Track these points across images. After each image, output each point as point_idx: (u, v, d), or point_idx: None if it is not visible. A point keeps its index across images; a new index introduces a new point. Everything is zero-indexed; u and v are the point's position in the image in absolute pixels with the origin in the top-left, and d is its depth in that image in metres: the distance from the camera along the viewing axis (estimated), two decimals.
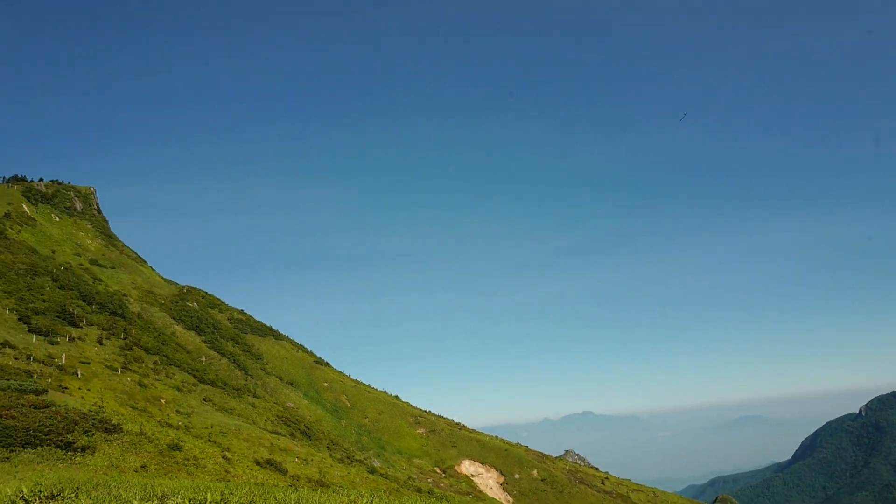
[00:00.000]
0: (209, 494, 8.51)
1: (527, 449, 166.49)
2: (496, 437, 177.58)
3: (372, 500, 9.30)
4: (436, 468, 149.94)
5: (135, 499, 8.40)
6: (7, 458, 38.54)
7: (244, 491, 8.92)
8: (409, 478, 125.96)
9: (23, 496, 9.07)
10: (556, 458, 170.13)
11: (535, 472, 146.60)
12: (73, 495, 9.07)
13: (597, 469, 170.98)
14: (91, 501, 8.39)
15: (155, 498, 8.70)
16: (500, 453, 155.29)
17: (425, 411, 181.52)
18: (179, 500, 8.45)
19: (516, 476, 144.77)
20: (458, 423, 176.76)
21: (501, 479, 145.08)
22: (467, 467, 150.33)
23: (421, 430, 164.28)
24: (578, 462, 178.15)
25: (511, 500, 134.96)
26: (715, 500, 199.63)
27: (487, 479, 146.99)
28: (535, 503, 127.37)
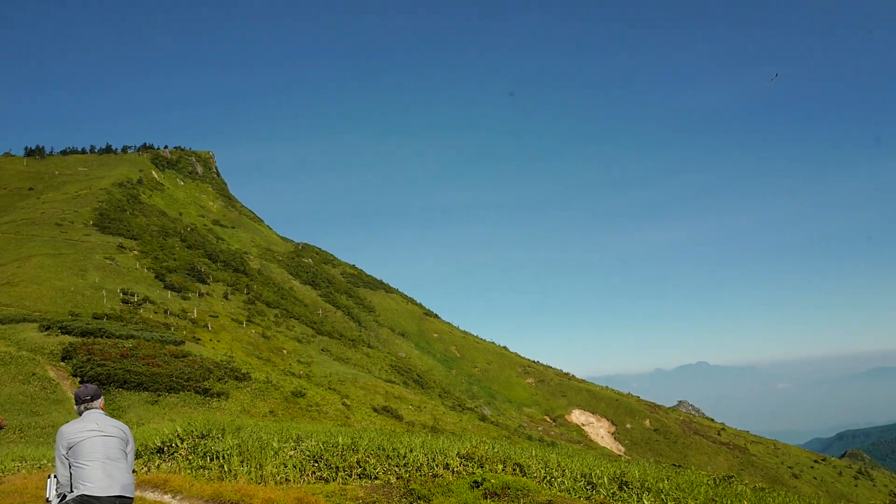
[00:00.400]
0: (340, 438, 9.13)
1: (638, 399, 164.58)
2: (606, 387, 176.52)
3: (493, 445, 9.65)
4: (546, 417, 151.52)
5: (273, 440, 9.17)
6: (156, 402, 42.59)
7: (371, 436, 9.55)
8: (520, 426, 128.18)
9: (178, 435, 10.21)
10: (669, 408, 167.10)
11: (647, 422, 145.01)
12: (219, 435, 10.05)
13: (712, 420, 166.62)
14: (237, 440, 9.26)
15: (291, 440, 9.45)
16: (611, 403, 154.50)
17: (533, 361, 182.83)
18: (314, 443, 9.12)
19: (628, 426, 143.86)
20: (566, 373, 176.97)
21: (612, 429, 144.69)
22: (577, 416, 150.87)
23: (530, 380, 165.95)
24: (692, 413, 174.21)
25: (623, 449, 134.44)
26: (843, 455, 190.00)
27: (598, 429, 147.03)
28: (648, 453, 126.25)
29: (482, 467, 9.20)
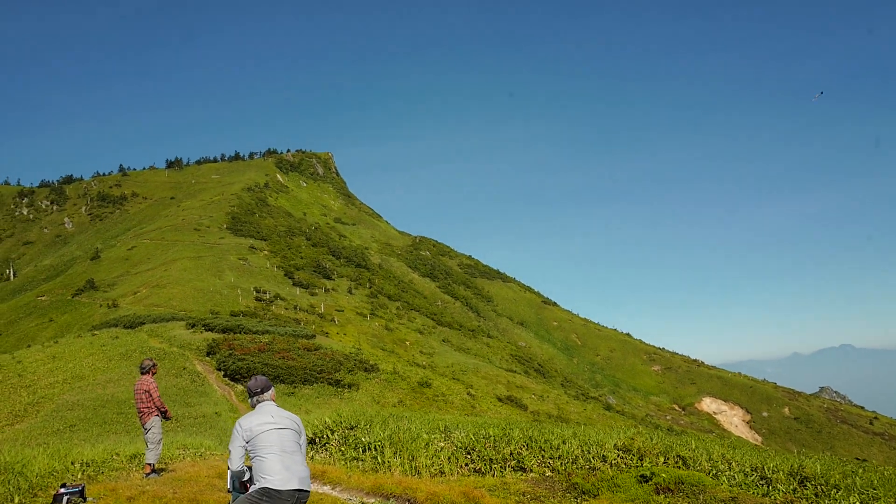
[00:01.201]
0: (492, 430, 8.89)
1: (775, 386, 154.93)
2: (738, 373, 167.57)
3: (651, 437, 9.05)
4: (674, 405, 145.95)
5: (423, 431, 9.08)
6: (292, 393, 44.65)
7: (522, 426, 9.26)
8: (647, 415, 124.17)
9: (328, 426, 10.38)
10: (811, 395, 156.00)
11: (786, 409, 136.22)
12: (367, 426, 10.12)
13: (862, 408, 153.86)
14: (388, 432, 9.25)
15: (439, 431, 9.33)
16: (745, 390, 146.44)
17: (659, 348, 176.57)
18: (464, 435, 8.94)
19: (764, 414, 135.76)
20: (695, 360, 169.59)
21: (747, 417, 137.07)
22: (708, 405, 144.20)
23: (656, 368, 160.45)
24: (837, 400, 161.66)
25: (759, 438, 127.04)
26: None
27: (731, 417, 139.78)
28: (789, 443, 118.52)
29: (642, 460, 8.65)
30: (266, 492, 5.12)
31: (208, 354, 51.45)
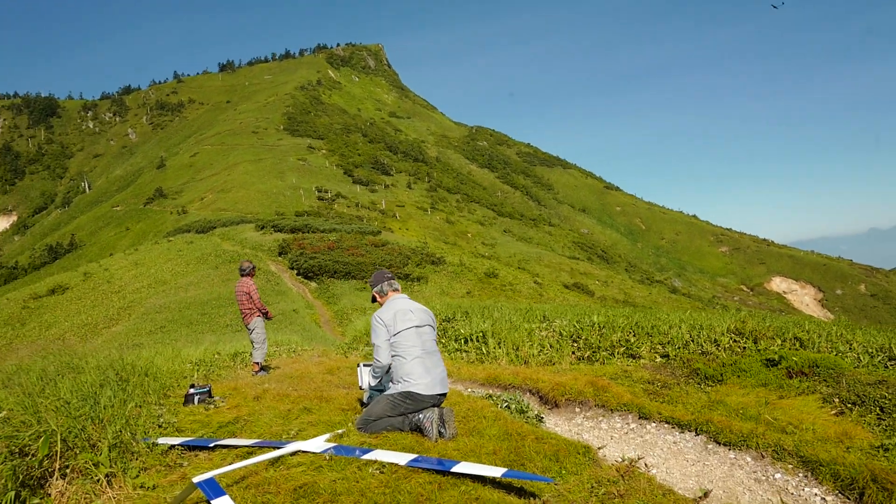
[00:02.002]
0: (595, 316, 8.66)
1: (850, 263, 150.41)
2: (811, 251, 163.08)
3: (765, 318, 8.66)
4: (742, 286, 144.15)
5: (523, 321, 8.94)
6: (363, 289, 45.80)
7: (626, 311, 9.00)
8: (714, 297, 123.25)
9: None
10: (889, 271, 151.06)
11: (862, 286, 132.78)
12: (463, 317, 10.08)
13: None
14: (489, 322, 9.17)
15: (538, 320, 9.18)
16: (817, 268, 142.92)
17: (726, 229, 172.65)
18: (567, 323, 8.76)
19: (838, 292, 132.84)
20: (764, 240, 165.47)
21: (819, 296, 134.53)
22: (778, 284, 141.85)
23: (723, 249, 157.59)
24: None
25: (832, 317, 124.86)
26: None
27: (802, 296, 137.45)
28: (864, 321, 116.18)
29: (756, 343, 8.31)
30: (410, 395, 4.97)
31: (280, 254, 52.93)
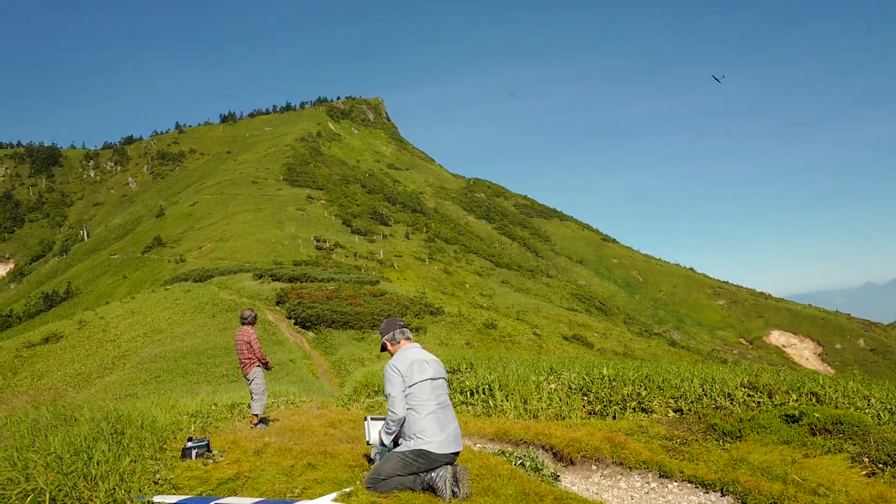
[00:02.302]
0: (605, 369, 8.42)
1: (848, 317, 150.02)
2: (808, 304, 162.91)
3: (777, 372, 8.44)
4: (741, 339, 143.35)
5: (532, 373, 8.70)
6: (362, 338, 45.32)
7: (634, 365, 8.77)
8: (713, 350, 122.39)
9: None
10: (887, 325, 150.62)
11: (860, 341, 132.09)
12: (468, 369, 9.82)
13: None
14: (495, 374, 8.91)
15: (545, 372, 8.93)
16: (815, 322, 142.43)
17: (723, 282, 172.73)
18: (576, 376, 8.52)
19: (837, 346, 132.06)
20: (761, 293, 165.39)
21: (819, 350, 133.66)
22: (777, 338, 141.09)
23: (721, 302, 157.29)
24: None
25: (832, 371, 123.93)
26: None
27: (801, 350, 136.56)
28: (865, 376, 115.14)
29: (771, 397, 8.07)
30: (423, 453, 4.66)
31: (278, 303, 52.54)
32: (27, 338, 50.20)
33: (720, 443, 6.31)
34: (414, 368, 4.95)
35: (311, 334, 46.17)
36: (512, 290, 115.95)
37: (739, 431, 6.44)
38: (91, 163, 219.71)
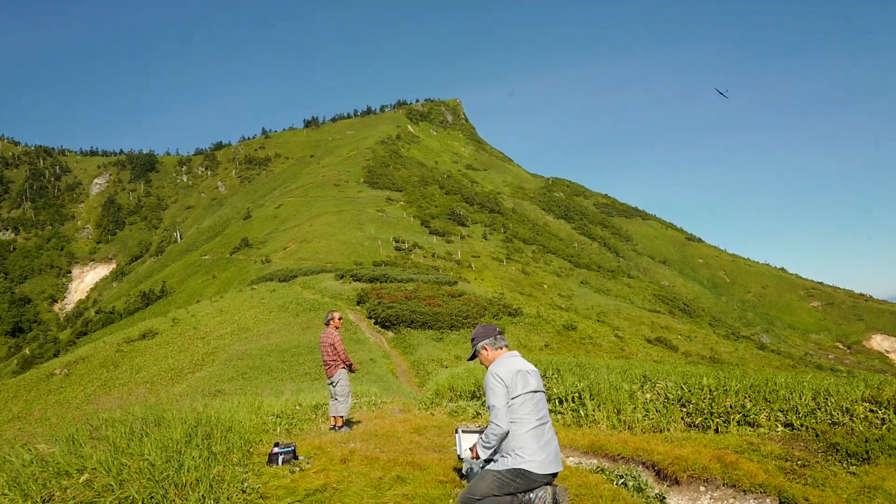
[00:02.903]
0: (706, 379, 7.87)
1: None
2: None
3: None
4: (837, 344, 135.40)
5: (624, 382, 8.26)
6: (440, 339, 45.41)
7: (737, 373, 8.18)
8: (806, 354, 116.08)
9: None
10: None
11: None
12: (554, 374, 9.46)
13: None
14: (586, 382, 8.51)
15: (638, 380, 8.47)
16: None
17: (818, 283, 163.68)
18: (673, 385, 8.01)
19: None
20: (861, 294, 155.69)
21: None
22: (879, 342, 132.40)
23: (815, 304, 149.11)
24: None
25: None
26: None
27: None
28: None
29: None
30: (521, 473, 4.31)
31: (358, 303, 53.33)
32: (127, 334, 53.00)
33: (844, 465, 5.71)
34: (517, 379, 4.57)
35: (390, 334, 46.58)
36: (591, 290, 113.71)
37: (867, 453, 5.81)
38: (184, 168, 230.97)
